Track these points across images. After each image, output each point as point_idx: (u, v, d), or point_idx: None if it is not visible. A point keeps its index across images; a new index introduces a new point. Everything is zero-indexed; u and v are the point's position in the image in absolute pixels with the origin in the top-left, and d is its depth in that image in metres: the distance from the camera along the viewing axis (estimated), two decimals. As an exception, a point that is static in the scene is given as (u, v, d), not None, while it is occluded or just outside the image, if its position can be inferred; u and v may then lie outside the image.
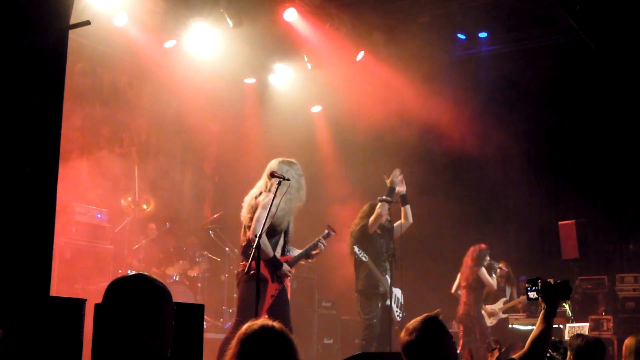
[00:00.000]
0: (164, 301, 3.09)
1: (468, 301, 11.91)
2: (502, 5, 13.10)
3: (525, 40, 14.41)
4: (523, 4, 13.11)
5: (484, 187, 14.81)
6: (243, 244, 8.10)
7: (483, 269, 11.78)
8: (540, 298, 4.49)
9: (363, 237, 10.21)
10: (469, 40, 14.60)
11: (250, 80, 13.68)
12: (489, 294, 12.62)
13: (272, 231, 7.94)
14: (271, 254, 7.83)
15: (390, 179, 10.16)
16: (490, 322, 12.47)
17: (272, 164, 8.11)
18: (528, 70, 14.24)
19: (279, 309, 8.00)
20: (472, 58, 14.82)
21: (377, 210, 10.11)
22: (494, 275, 11.93)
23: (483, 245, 12.05)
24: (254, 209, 7.89)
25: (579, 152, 14.53)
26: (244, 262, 7.98)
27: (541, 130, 14.72)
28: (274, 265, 7.86)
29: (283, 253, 8.30)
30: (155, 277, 3.20)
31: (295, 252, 8.43)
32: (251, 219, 7.89)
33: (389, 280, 10.01)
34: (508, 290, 12.65)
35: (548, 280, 4.54)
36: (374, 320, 10.06)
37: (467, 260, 12.00)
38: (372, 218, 10.16)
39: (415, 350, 3.86)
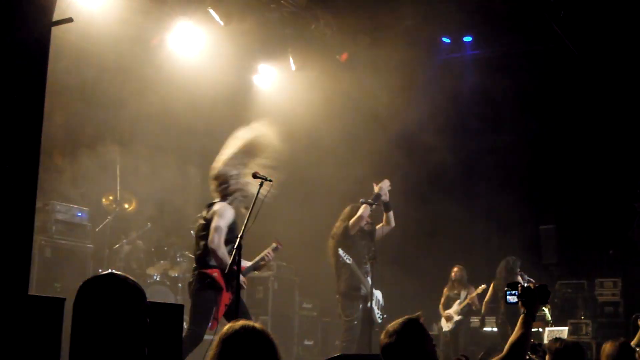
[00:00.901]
0: (135, 299, 3.07)
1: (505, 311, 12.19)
2: (488, 9, 13.14)
3: (510, 45, 14.47)
4: (508, 9, 13.16)
5: (465, 192, 14.85)
6: (198, 253, 7.98)
7: (518, 278, 11.93)
8: (520, 302, 4.52)
9: (345, 239, 10.24)
10: (454, 44, 14.64)
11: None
12: (449, 300, 12.72)
13: (226, 241, 7.80)
14: (228, 263, 7.63)
15: (379, 185, 10.26)
16: (447, 326, 12.56)
17: (219, 169, 8.14)
18: (512, 75, 14.30)
19: (240, 314, 7.88)
20: (457, 62, 14.87)
21: (360, 211, 10.17)
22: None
23: (514, 257, 12.26)
24: (208, 219, 7.84)
25: (561, 158, 14.61)
26: (201, 271, 7.86)
27: (524, 136, 14.79)
28: (230, 274, 7.69)
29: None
30: (127, 275, 3.18)
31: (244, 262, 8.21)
32: (205, 228, 7.84)
33: (370, 282, 10.04)
34: (463, 293, 12.70)
35: (528, 284, 4.57)
36: (355, 322, 10.08)
37: (502, 271, 12.22)
38: (353, 219, 10.21)
39: (395, 352, 3.85)
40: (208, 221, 7.85)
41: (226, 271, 7.54)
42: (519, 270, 12.11)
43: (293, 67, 12.97)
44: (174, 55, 12.00)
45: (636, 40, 11.68)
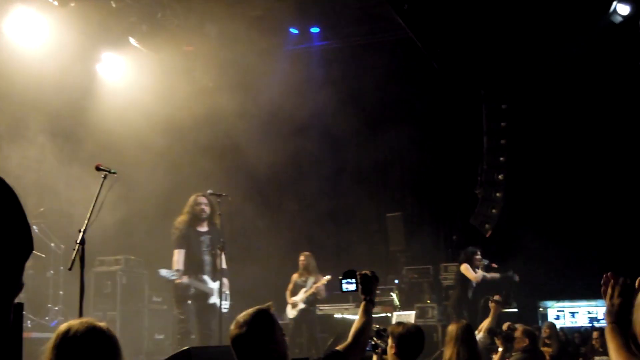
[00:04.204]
0: None
1: (451, 298, 12.75)
2: (335, 1, 13.31)
3: (356, 37, 14.72)
4: (355, 1, 13.38)
5: (311, 182, 14.96)
6: None
7: (463, 265, 12.39)
8: (360, 290, 4.60)
9: (186, 233, 10.20)
10: (302, 35, 14.74)
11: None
12: (297, 286, 12.83)
13: None
14: None
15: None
16: (292, 313, 12.67)
17: None
18: (356, 67, 14.57)
19: None
20: (304, 53, 14.98)
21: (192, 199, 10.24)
22: (477, 270, 12.44)
23: (472, 247, 12.69)
24: None
25: (406, 148, 15.00)
26: None
27: (371, 126, 15.07)
28: None
29: None
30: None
31: None
32: None
33: (210, 275, 10.09)
34: (310, 280, 12.82)
35: (364, 272, 4.65)
36: (182, 317, 10.12)
37: (462, 262, 12.62)
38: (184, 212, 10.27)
39: (245, 342, 3.83)
40: None
41: (70, 268, 7.26)
42: (478, 256, 12.49)
43: (140, 53, 12.68)
44: (11, 43, 11.47)
45: (479, 32, 12.13)
